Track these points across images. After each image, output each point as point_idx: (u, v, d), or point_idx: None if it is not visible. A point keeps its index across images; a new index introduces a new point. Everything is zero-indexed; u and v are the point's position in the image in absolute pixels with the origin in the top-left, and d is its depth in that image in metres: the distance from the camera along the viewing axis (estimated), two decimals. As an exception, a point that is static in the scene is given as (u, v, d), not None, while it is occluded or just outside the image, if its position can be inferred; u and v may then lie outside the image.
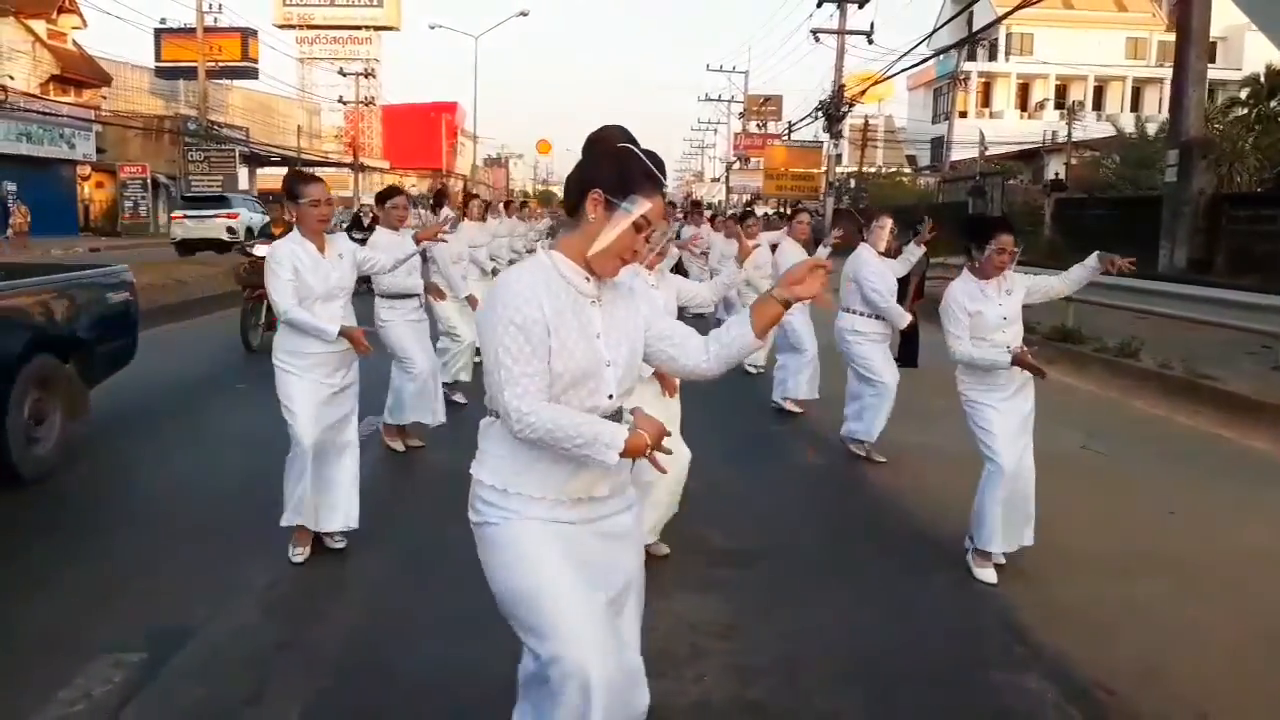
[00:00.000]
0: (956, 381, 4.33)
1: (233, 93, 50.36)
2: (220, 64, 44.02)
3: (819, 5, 32.05)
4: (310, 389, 4.07)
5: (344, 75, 53.48)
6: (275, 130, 52.12)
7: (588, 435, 1.96)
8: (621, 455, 1.97)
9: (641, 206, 2.02)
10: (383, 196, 6.06)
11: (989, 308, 4.15)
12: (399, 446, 6.16)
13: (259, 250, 9.89)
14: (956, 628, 3.70)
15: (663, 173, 2.08)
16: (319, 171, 59.71)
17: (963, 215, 27.51)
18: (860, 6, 32.21)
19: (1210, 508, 5.35)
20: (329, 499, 4.18)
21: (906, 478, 5.86)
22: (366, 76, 55.51)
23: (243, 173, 45.93)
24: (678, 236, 14.06)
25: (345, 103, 55.88)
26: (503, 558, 2.06)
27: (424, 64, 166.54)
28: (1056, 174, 32.57)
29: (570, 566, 2.05)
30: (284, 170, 54.19)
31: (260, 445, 6.09)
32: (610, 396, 2.08)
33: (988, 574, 4.17)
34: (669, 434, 2.06)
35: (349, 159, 54.61)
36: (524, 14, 41.92)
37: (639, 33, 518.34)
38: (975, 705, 3.09)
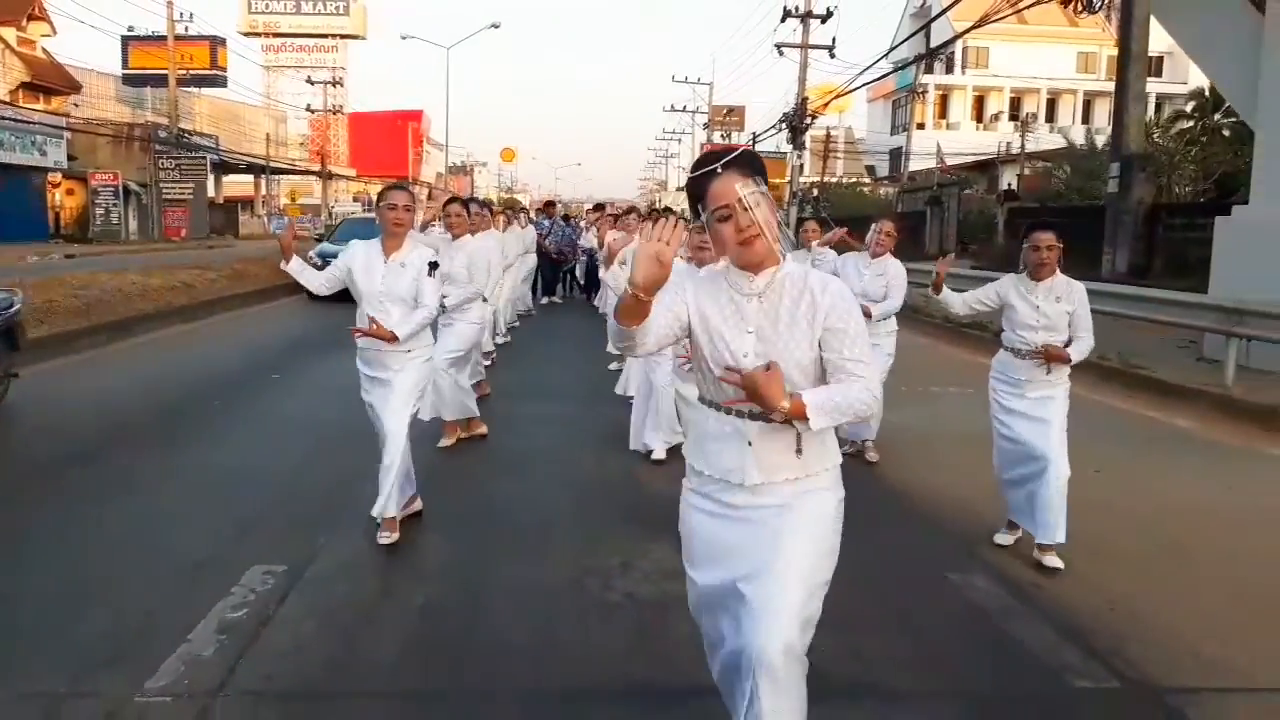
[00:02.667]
0: (991, 369, 4.60)
1: (200, 101, 50.44)
2: (190, 72, 44.18)
3: (783, 20, 33.08)
4: (361, 378, 4.47)
5: (311, 83, 53.74)
6: (242, 138, 52.21)
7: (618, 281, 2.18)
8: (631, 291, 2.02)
9: (711, 202, 2.15)
10: (444, 204, 6.64)
11: (1022, 304, 4.30)
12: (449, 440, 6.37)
13: None
14: (923, 559, 4.58)
15: (714, 159, 2.18)
16: (286, 179, 59.69)
17: (920, 224, 28.74)
18: (823, 22, 33.28)
19: (1134, 470, 6.29)
20: (381, 489, 4.36)
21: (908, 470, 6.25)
22: (334, 85, 55.81)
23: (210, 180, 46.02)
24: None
25: (313, 111, 56.12)
26: (681, 523, 2.41)
27: (392, 73, 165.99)
28: (1009, 184, 33.83)
29: (703, 543, 2.32)
30: (250, 178, 54.54)
31: (313, 425, 6.90)
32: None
33: (1003, 538, 4.57)
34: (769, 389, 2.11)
35: (316, 166, 54.87)
36: (495, 26, 42.59)
37: (606, 45, 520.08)
38: (943, 600, 3.97)
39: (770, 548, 2.18)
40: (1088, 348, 4.31)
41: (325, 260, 11.06)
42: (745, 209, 2.10)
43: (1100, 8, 17.51)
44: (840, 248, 7.30)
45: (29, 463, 5.82)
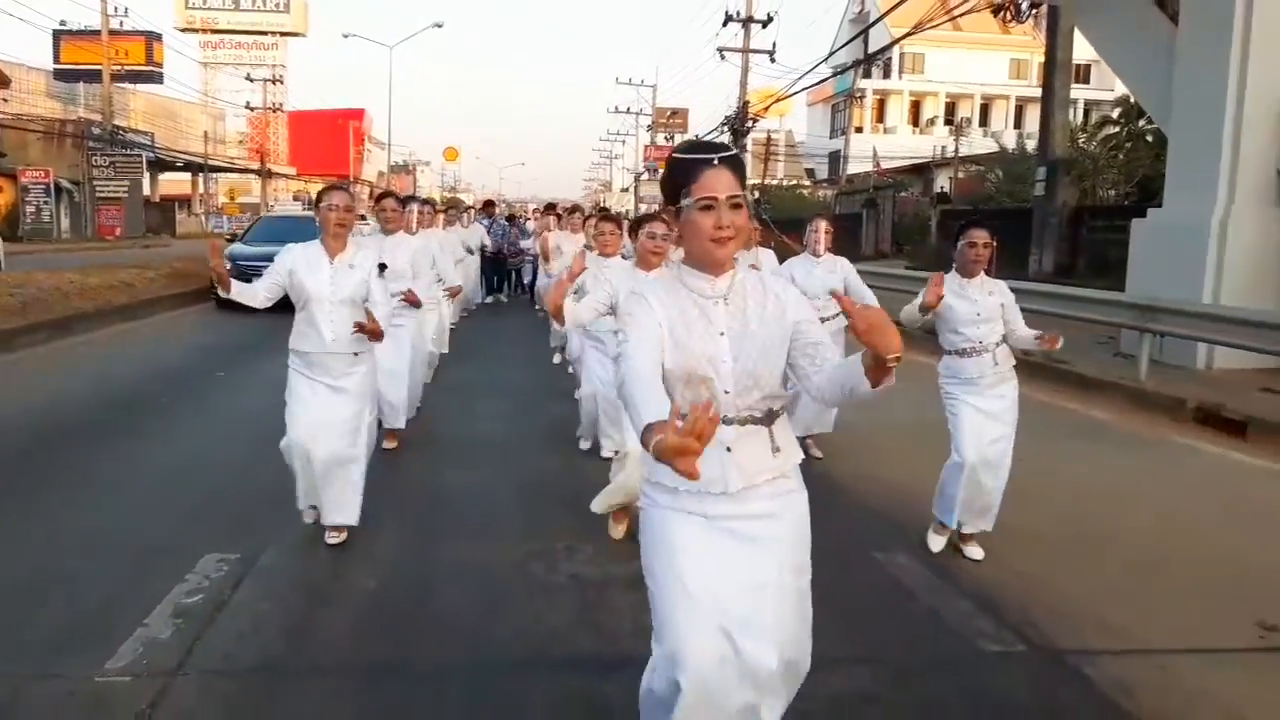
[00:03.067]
0: (939, 375, 4.61)
1: (135, 97, 49.35)
2: (125, 68, 43.20)
3: (725, 24, 33.51)
4: (305, 384, 4.26)
5: (251, 81, 52.91)
6: (178, 135, 51.21)
7: (641, 406, 1.89)
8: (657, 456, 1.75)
9: (694, 194, 2.07)
10: (378, 199, 6.49)
11: (961, 303, 4.36)
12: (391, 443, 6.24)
13: None
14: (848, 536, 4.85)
15: (709, 148, 2.13)
16: (224, 177, 58.55)
17: (856, 225, 29.35)
18: (764, 27, 33.80)
19: (1052, 459, 6.63)
20: (331, 495, 4.29)
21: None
22: (274, 82, 54.99)
23: (145, 178, 45.05)
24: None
25: (252, 109, 55.22)
26: (644, 539, 2.23)
27: (334, 71, 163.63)
28: (942, 188, 34.65)
29: (687, 555, 2.12)
30: (188, 176, 53.50)
31: (259, 420, 6.97)
32: (727, 392, 2.13)
33: (936, 542, 4.55)
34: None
35: (255, 165, 54.02)
36: (439, 25, 42.40)
37: (550, 46, 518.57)
38: (868, 576, 4.23)
39: (762, 555, 2.15)
40: (1027, 333, 4.46)
41: (237, 265, 10.75)
42: (732, 208, 2.07)
43: (1028, 18, 18.11)
44: (782, 252, 7.45)
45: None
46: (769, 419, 2.18)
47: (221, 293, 4.08)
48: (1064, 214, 17.73)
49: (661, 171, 2.24)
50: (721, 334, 2.12)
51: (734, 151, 2.14)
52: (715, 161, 2.06)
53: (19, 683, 3.04)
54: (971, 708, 3.14)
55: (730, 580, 2.11)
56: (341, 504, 4.30)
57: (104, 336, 11.46)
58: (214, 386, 8.50)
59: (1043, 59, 18.40)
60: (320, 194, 4.41)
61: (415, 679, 3.20)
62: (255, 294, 4.22)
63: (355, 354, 4.32)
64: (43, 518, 4.74)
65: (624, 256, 5.47)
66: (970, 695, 3.21)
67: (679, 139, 53.49)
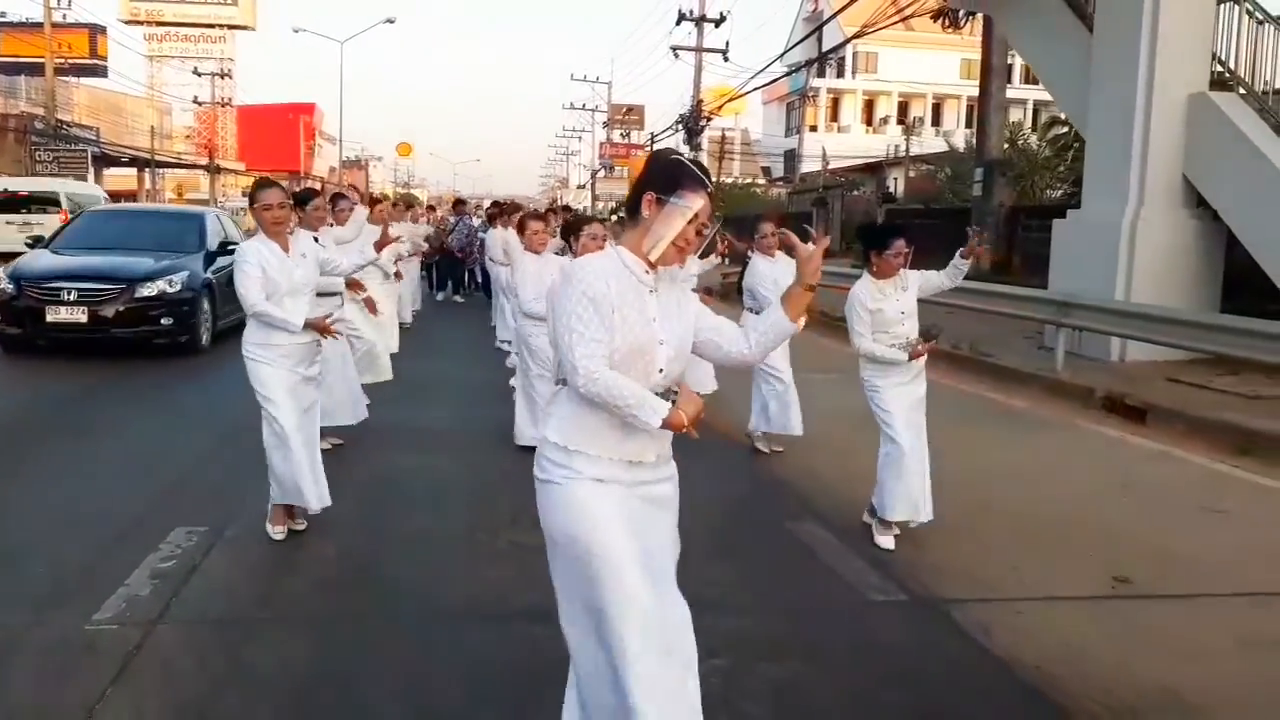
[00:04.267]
0: (860, 369, 4.79)
1: (79, 90, 48.61)
2: (68, 61, 42.60)
3: (678, 23, 34.01)
4: (284, 376, 4.35)
5: (199, 75, 52.35)
6: (124, 130, 50.46)
7: (638, 399, 2.23)
8: (662, 425, 2.25)
9: (692, 202, 2.30)
10: (302, 199, 6.22)
11: (888, 305, 4.57)
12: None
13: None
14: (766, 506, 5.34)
15: (708, 176, 2.40)
16: (172, 173, 57.62)
17: (806, 224, 30.03)
18: (716, 26, 34.38)
19: (965, 442, 7.17)
20: (314, 478, 4.43)
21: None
22: (222, 77, 54.48)
23: (90, 174, 44.43)
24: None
25: (200, 103, 54.62)
26: (564, 513, 2.33)
27: (284, 66, 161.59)
28: (887, 188, 35.41)
29: (618, 521, 2.31)
30: (134, 171, 52.80)
31: (221, 411, 7.31)
32: (660, 371, 2.35)
33: (887, 540, 4.64)
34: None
35: (203, 160, 53.47)
36: (390, 21, 42.37)
37: (504, 42, 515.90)
38: (777, 541, 4.72)
39: (669, 537, 2.45)
40: (944, 272, 4.80)
41: (18, 283, 9.24)
42: (698, 231, 2.35)
43: (965, 23, 18.82)
44: (733, 255, 7.59)
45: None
46: (669, 395, 2.36)
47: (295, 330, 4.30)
48: (1000, 214, 18.49)
49: (660, 161, 2.45)
50: (654, 320, 2.34)
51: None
52: (710, 189, 2.36)
53: (16, 631, 3.43)
54: (851, 646, 3.65)
55: (647, 539, 2.35)
56: (321, 484, 4.47)
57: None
58: (176, 377, 8.80)
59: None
60: (253, 194, 4.44)
61: (369, 630, 3.63)
62: (280, 310, 4.30)
63: (318, 344, 4.51)
64: (13, 501, 5.09)
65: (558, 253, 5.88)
66: (853, 635, 3.72)
67: (635, 136, 53.99)
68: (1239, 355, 8.46)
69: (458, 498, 5.36)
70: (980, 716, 3.16)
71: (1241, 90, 10.30)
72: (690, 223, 2.31)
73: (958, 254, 4.83)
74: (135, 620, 3.52)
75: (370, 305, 6.84)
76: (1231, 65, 10.53)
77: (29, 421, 7.07)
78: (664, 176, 2.35)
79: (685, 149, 39.15)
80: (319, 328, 4.37)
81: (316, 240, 4.69)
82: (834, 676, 3.37)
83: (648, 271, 2.35)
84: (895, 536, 4.67)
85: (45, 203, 18.39)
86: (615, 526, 2.30)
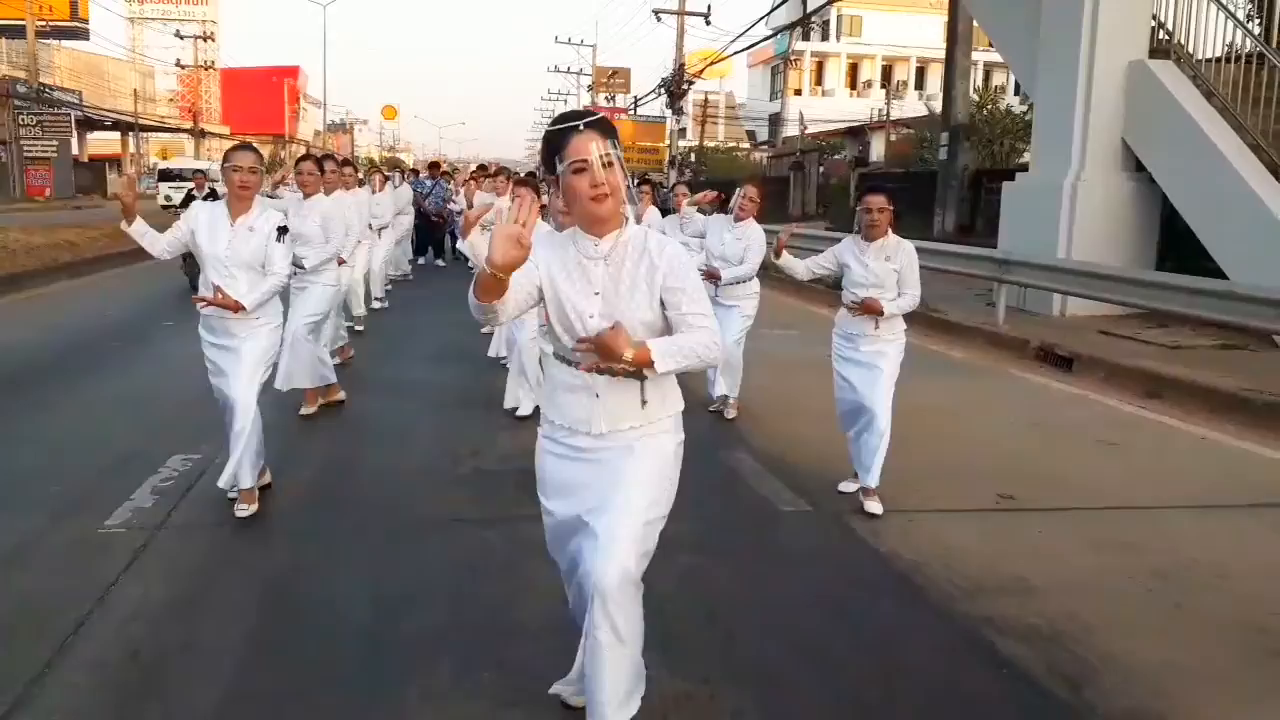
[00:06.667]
0: (833, 331, 4.91)
1: (60, 53, 48.39)
2: (49, 23, 42.43)
3: (660, -15, 34.17)
4: (205, 348, 4.34)
5: (180, 37, 52.11)
6: (106, 93, 50.34)
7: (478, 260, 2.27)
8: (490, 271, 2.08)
9: (567, 158, 2.25)
10: (297, 162, 6.52)
11: (856, 264, 4.60)
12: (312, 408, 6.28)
13: None
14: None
15: (576, 116, 2.29)
16: (156, 136, 57.35)
17: (785, 188, 30.51)
18: (699, -11, 34.53)
19: (903, 387, 7.77)
20: (233, 458, 4.31)
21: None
22: (205, 39, 54.22)
23: (74, 138, 44.45)
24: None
25: (183, 66, 54.40)
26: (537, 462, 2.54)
27: (267, 28, 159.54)
28: (859, 152, 35.76)
29: (557, 486, 2.48)
30: (117, 135, 52.64)
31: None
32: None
33: (847, 486, 4.87)
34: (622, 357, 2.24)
35: (187, 124, 53.42)
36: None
37: (488, 2, 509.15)
38: (707, 468, 5.31)
39: (612, 484, 2.37)
40: (908, 303, 4.62)
41: None
42: (604, 166, 2.22)
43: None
44: (709, 209, 7.80)
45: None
46: (639, 374, 2.33)
47: (123, 225, 4.14)
48: (964, 177, 19.03)
49: (541, 145, 2.40)
50: (596, 293, 2.33)
51: (599, 116, 2.32)
52: (581, 127, 2.24)
53: (38, 533, 4.03)
54: (755, 544, 4.28)
55: (584, 501, 2.41)
56: (241, 465, 4.31)
57: (54, 292, 12.19)
58: (162, 334, 9.32)
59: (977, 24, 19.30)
60: (226, 154, 4.35)
61: (340, 535, 4.23)
62: (156, 241, 4.21)
63: (256, 318, 4.28)
64: (19, 432, 5.68)
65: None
66: (759, 537, 4.36)
67: (621, 100, 54.07)
68: (1165, 309, 9.05)
69: (424, 432, 5.95)
70: (855, 598, 3.76)
71: (1177, 58, 10.83)
72: (584, 173, 2.24)
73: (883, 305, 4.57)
74: (141, 526, 4.11)
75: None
76: (1176, 32, 11.06)
77: (44, 361, 7.71)
78: (544, 157, 2.34)
79: (668, 112, 39.61)
80: (219, 304, 4.14)
81: (284, 229, 4.37)
82: (738, 567, 3.98)
83: (596, 244, 2.34)
84: (880, 518, 4.57)
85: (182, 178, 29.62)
86: (551, 484, 2.49)
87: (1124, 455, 5.93)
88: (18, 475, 4.89)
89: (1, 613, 3.37)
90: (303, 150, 20.64)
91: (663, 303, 2.34)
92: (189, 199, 12.06)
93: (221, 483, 4.33)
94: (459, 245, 12.06)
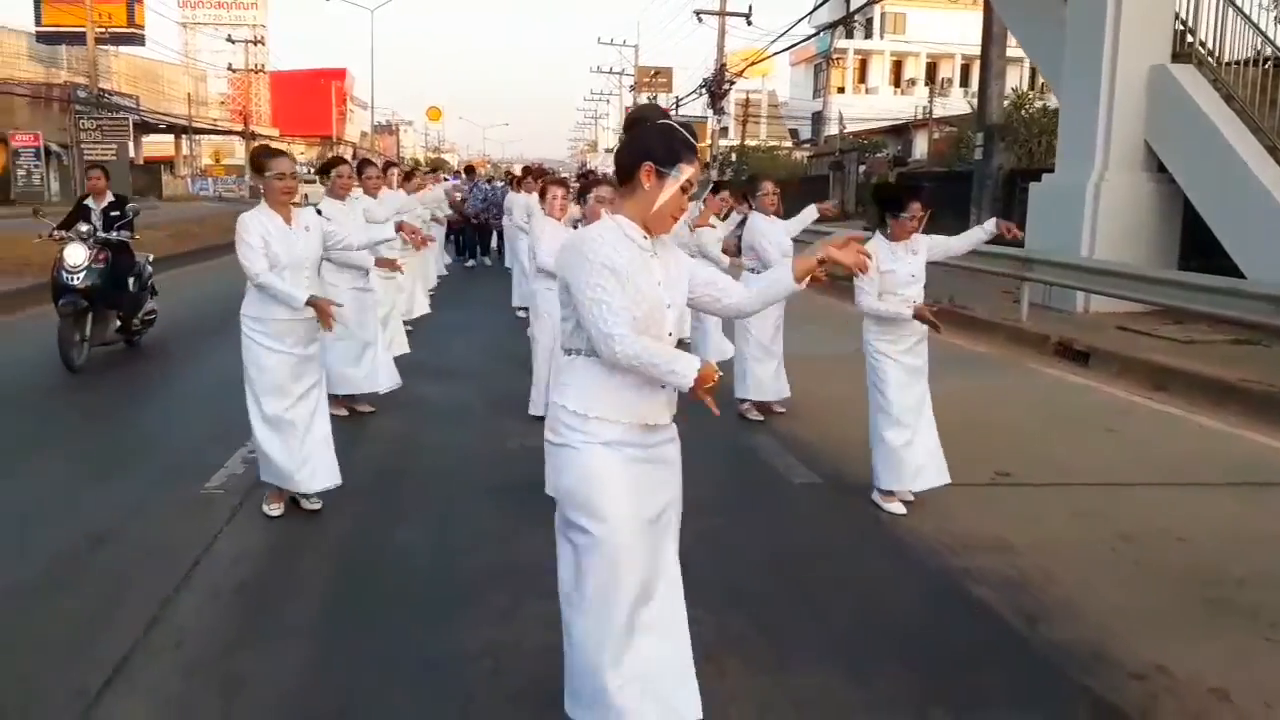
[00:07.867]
0: (864, 332, 4.85)
1: (117, 59, 50.03)
2: (107, 30, 43.85)
3: (702, -15, 34.63)
4: (278, 360, 4.28)
5: (231, 42, 53.59)
6: (160, 97, 51.94)
7: (669, 359, 2.28)
8: (694, 384, 2.27)
9: (685, 172, 2.36)
10: (326, 167, 6.47)
11: (900, 267, 4.59)
12: (342, 411, 6.27)
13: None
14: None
15: (696, 138, 2.41)
16: (208, 139, 58.82)
17: (825, 187, 30.84)
18: (740, -11, 34.96)
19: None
20: (310, 464, 4.39)
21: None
22: (255, 44, 55.69)
23: (131, 141, 45.89)
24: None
25: (234, 70, 55.90)
26: (579, 474, 2.39)
27: (316, 32, 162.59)
28: (899, 150, 35.83)
29: (626, 486, 2.39)
30: (171, 138, 54.28)
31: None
32: (670, 334, 2.45)
33: (895, 506, 4.75)
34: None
35: (238, 126, 54.92)
36: (419, -11, 43.05)
37: (533, 5, 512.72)
38: (730, 449, 5.86)
39: (674, 490, 2.55)
40: (960, 237, 4.83)
41: None
42: (690, 193, 2.43)
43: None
44: (728, 212, 8.07)
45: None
46: None
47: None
48: (999, 177, 19.31)
49: (656, 130, 2.40)
50: (659, 283, 2.41)
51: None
52: (698, 154, 2.40)
53: (152, 494, 4.76)
54: (767, 510, 4.86)
55: (656, 497, 2.47)
56: (324, 466, 4.45)
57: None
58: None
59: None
60: (263, 161, 4.24)
61: (406, 496, 4.89)
62: (282, 281, 4.19)
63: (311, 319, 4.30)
64: (135, 411, 6.56)
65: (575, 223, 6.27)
66: (771, 505, 4.93)
67: (663, 99, 54.41)
68: (1182, 306, 9.39)
69: (477, 415, 6.61)
70: (855, 554, 4.30)
71: (1198, 62, 11.13)
72: (685, 193, 2.41)
73: (981, 227, 4.88)
74: (236, 489, 4.81)
75: (390, 264, 6.39)
76: (1201, 36, 11.35)
77: (146, 350, 8.61)
78: (663, 148, 2.36)
79: (709, 112, 40.06)
80: (320, 309, 4.16)
81: (319, 213, 4.63)
82: (748, 529, 4.54)
83: (646, 237, 2.42)
84: (907, 503, 4.78)
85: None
86: (621, 494, 2.39)
87: (1120, 440, 6.37)
88: (119, 449, 5.70)
89: (132, 554, 4.05)
90: (349, 151, 20.90)
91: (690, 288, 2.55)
92: None
93: (316, 488, 4.48)
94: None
